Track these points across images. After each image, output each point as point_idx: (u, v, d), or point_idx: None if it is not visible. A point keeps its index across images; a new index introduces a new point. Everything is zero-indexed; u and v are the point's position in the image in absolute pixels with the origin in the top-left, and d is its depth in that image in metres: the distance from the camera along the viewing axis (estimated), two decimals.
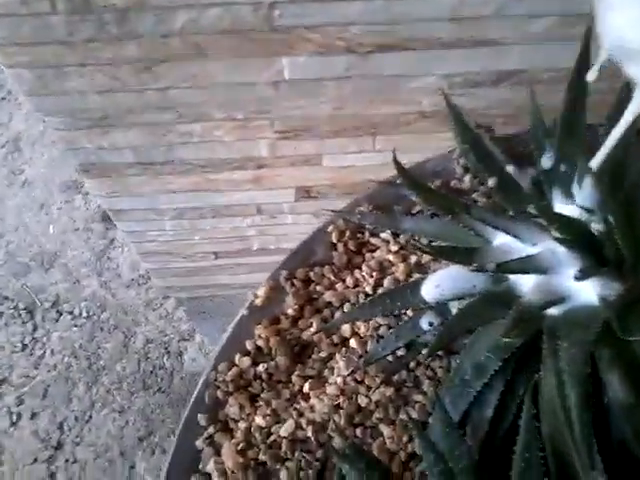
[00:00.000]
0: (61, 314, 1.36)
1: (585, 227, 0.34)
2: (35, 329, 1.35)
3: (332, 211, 0.45)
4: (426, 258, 0.42)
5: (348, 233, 0.44)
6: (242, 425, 0.38)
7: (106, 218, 1.38)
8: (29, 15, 0.44)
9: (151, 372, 1.30)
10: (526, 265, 0.34)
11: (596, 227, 0.34)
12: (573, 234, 0.33)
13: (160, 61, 0.50)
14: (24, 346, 1.33)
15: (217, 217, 0.72)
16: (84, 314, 1.37)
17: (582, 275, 0.31)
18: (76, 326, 1.35)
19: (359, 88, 0.53)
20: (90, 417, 1.26)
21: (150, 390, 1.27)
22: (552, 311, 0.34)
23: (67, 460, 1.22)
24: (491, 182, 0.39)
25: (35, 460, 1.21)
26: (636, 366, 0.31)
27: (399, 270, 0.42)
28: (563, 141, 0.35)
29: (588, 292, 0.33)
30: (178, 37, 0.48)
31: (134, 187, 0.65)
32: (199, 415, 0.39)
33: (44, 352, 1.32)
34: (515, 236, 0.36)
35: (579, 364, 0.30)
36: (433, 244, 0.39)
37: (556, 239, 0.33)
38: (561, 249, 0.34)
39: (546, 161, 0.36)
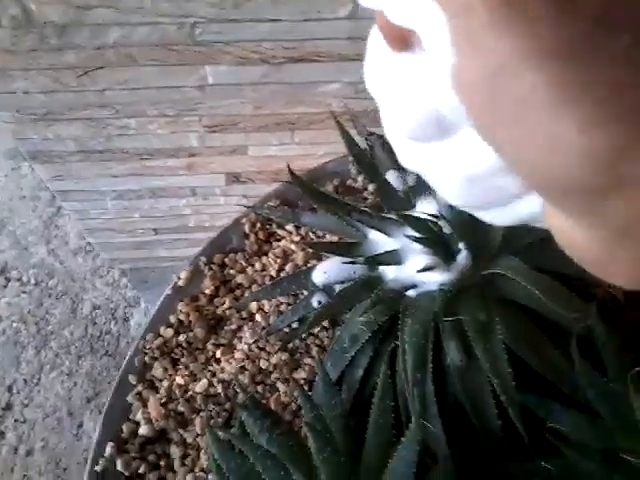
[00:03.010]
0: (9, 280, 1.37)
1: (435, 229, 0.43)
2: None
3: (245, 206, 0.53)
4: (321, 252, 0.50)
5: (259, 225, 0.52)
6: (165, 383, 0.47)
7: None
8: None
9: (98, 337, 1.33)
10: (388, 258, 0.43)
11: (446, 230, 0.43)
12: (425, 234, 0.42)
13: (97, 67, 0.56)
14: None
15: (155, 198, 0.79)
16: (32, 281, 1.38)
17: (423, 269, 0.40)
18: (24, 292, 1.37)
19: (275, 92, 0.61)
20: (39, 379, 1.29)
21: (97, 354, 1.31)
22: (408, 294, 0.43)
23: (16, 420, 1.25)
24: (371, 187, 0.47)
25: None
26: (466, 337, 0.41)
27: (299, 257, 0.51)
28: None
29: (432, 281, 0.42)
30: (112, 48, 0.54)
31: (77, 172, 0.72)
32: (130, 375, 0.48)
33: None
34: (385, 233, 0.45)
35: (417, 337, 0.40)
36: (323, 242, 0.48)
37: (412, 237, 0.42)
38: (417, 245, 0.43)
39: (410, 179, 0.45)
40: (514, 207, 0.18)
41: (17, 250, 1.43)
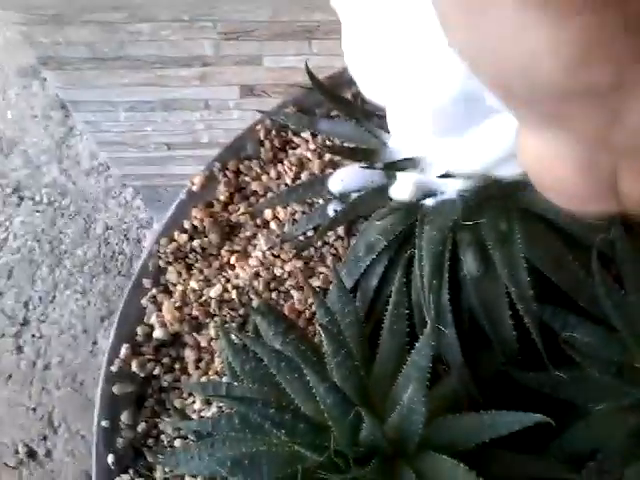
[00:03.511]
0: (22, 199, 1.37)
1: None
2: None
3: (260, 112, 0.51)
4: (338, 156, 0.49)
5: (274, 132, 0.51)
6: (179, 288, 0.47)
7: (65, 106, 1.38)
8: None
9: (111, 257, 1.34)
10: (407, 165, 0.42)
11: None
12: None
13: None
14: None
15: (168, 110, 0.77)
16: (45, 200, 1.38)
17: (444, 175, 0.39)
18: (38, 212, 1.37)
19: None
20: (54, 297, 1.31)
21: (110, 274, 1.32)
22: (426, 203, 0.42)
23: (33, 335, 1.28)
24: None
25: (3, 335, 1.27)
26: (484, 246, 0.41)
27: (315, 166, 0.49)
28: None
29: (452, 189, 0.41)
30: None
31: (89, 80, 0.70)
32: (144, 279, 0.48)
33: (7, 235, 1.35)
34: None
35: (434, 244, 0.39)
36: (341, 145, 0.47)
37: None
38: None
39: None
40: (487, 133, 0.18)
41: (29, 169, 1.42)
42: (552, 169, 0.15)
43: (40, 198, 1.40)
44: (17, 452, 1.14)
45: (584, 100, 0.13)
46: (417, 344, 0.38)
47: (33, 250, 1.36)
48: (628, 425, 0.38)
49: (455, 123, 0.18)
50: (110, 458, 0.43)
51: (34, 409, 1.24)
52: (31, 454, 1.15)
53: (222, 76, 0.70)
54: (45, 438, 1.19)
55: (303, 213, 0.48)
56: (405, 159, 0.42)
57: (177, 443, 0.44)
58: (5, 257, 1.34)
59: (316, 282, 0.46)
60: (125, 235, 1.36)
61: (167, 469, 0.43)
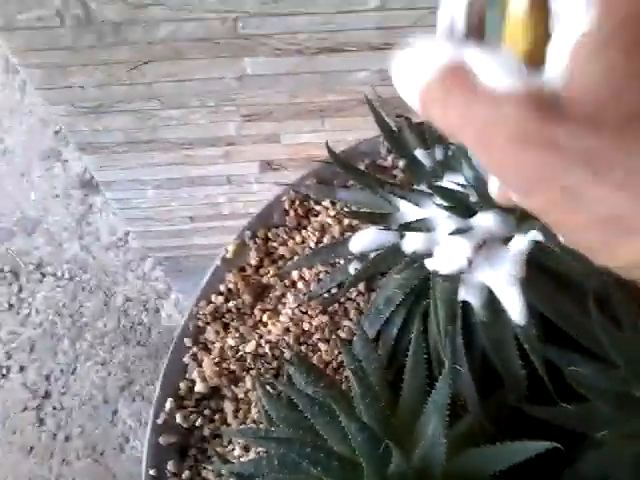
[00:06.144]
0: (44, 276, 1.42)
1: (462, 197, 0.47)
2: (20, 290, 1.41)
3: (286, 184, 0.58)
4: (356, 221, 0.55)
5: (297, 202, 0.57)
6: (217, 345, 0.52)
7: (85, 185, 1.46)
8: (43, 28, 0.56)
9: (130, 327, 1.38)
10: (419, 225, 0.47)
11: (473, 198, 0.48)
12: (452, 202, 0.47)
13: (146, 62, 0.61)
14: (10, 306, 1.39)
15: (193, 187, 0.84)
16: (66, 275, 1.43)
17: (453, 232, 0.45)
18: (59, 287, 1.42)
19: (308, 81, 0.66)
20: (75, 369, 1.34)
21: (130, 344, 1.36)
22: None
23: (54, 408, 1.30)
24: (401, 163, 0.52)
25: (25, 408, 1.29)
26: (491, 294, 0.46)
27: (335, 230, 0.55)
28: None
29: (459, 245, 0.47)
30: (161, 43, 0.59)
31: (122, 162, 0.77)
32: (185, 338, 0.53)
33: (30, 311, 1.39)
34: (415, 204, 0.49)
35: (447, 293, 0.44)
36: (359, 211, 0.53)
37: (441, 206, 0.47)
38: (445, 213, 0.47)
39: (438, 153, 0.49)
40: None
41: (52, 247, 1.48)
42: None
43: (62, 274, 1.45)
44: None
45: None
46: (437, 384, 0.42)
47: (55, 324, 1.40)
48: (633, 452, 0.41)
49: None
50: None
51: None
52: None
53: (244, 153, 0.77)
54: None
55: (327, 273, 0.54)
56: (417, 220, 0.48)
57: None
58: (28, 332, 1.38)
59: (341, 334, 0.51)
60: (144, 306, 1.41)
61: None
